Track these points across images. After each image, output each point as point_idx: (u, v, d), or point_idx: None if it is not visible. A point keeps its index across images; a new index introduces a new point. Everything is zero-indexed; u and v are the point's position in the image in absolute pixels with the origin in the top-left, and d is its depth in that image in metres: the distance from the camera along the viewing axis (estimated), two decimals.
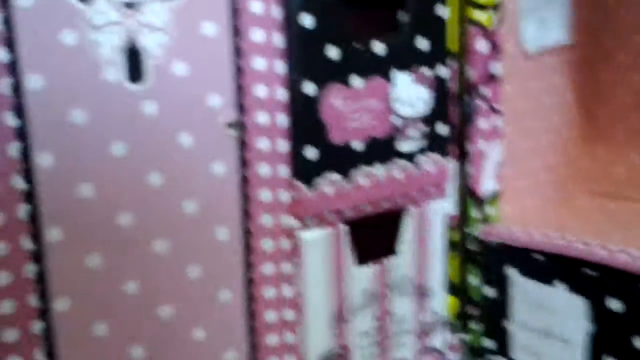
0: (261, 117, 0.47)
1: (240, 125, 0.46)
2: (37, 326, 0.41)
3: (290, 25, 0.46)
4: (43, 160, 0.40)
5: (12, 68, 0.38)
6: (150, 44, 0.42)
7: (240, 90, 0.46)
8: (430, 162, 0.54)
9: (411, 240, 0.54)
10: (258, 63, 0.46)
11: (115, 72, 0.41)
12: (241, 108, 0.46)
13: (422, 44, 0.52)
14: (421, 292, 0.55)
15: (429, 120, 0.53)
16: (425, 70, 0.52)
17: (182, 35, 0.43)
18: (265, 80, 0.46)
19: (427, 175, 0.54)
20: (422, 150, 0.54)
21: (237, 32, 0.45)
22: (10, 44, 0.38)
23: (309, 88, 0.47)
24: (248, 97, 0.46)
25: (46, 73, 0.39)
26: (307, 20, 0.46)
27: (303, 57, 0.47)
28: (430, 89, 0.53)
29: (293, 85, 0.47)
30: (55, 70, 0.39)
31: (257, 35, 0.46)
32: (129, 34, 0.41)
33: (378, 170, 0.52)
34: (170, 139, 0.44)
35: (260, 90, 0.46)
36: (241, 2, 0.45)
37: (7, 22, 0.38)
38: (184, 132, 0.44)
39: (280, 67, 0.47)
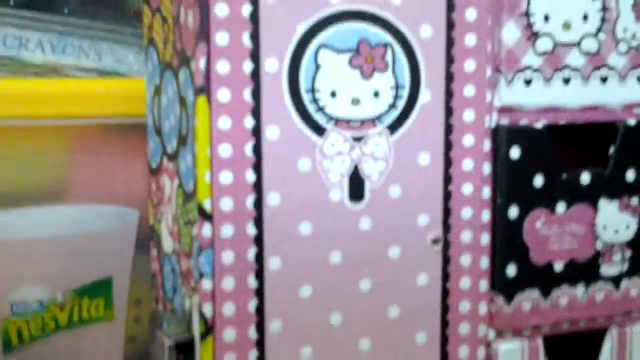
0: (465, 236, 0.51)
1: (445, 242, 0.51)
2: None
3: (498, 156, 0.51)
4: (272, 263, 0.47)
5: (256, 187, 0.47)
6: (371, 171, 0.48)
7: (448, 211, 0.51)
8: (635, 287, 0.55)
9: None
10: (466, 188, 0.51)
11: (340, 193, 0.48)
12: (447, 227, 0.51)
13: (631, 175, 0.53)
14: None
15: (635, 246, 0.55)
16: (633, 200, 0.54)
17: (400, 164, 0.49)
18: (471, 203, 0.51)
19: (631, 299, 0.55)
20: (626, 274, 0.55)
21: (449, 162, 0.50)
22: (256, 168, 0.46)
23: (513, 212, 0.51)
24: (454, 218, 0.51)
25: (283, 192, 0.47)
26: (514, 152, 0.51)
27: (509, 184, 0.51)
28: (637, 217, 0.54)
29: (498, 209, 0.51)
30: (290, 190, 0.47)
31: (467, 164, 0.50)
32: (354, 162, 0.48)
33: (579, 291, 0.54)
34: (381, 251, 0.49)
35: (466, 212, 0.51)
36: (455, 137, 0.50)
37: (256, 150, 0.46)
38: (394, 246, 0.49)
39: (487, 192, 0.51)
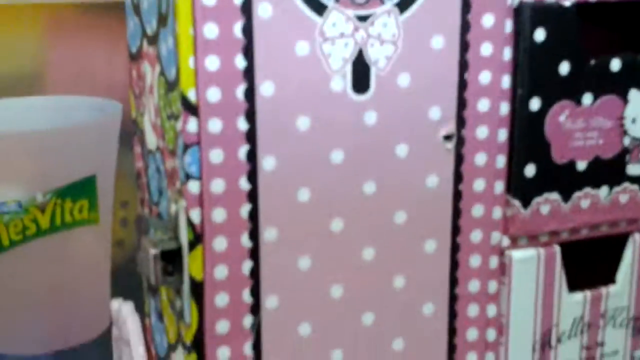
0: (481, 132, 0.46)
1: (458, 139, 0.45)
2: (247, 321, 0.43)
3: (520, 39, 0.45)
4: (267, 163, 0.42)
5: (247, 74, 0.40)
6: (378, 56, 0.42)
7: (462, 103, 0.45)
8: None
9: (633, 269, 0.51)
10: (483, 77, 0.45)
11: (342, 82, 0.42)
12: (461, 121, 0.45)
13: None
14: (638, 327, 0.52)
15: None
16: None
17: (410, 48, 0.43)
18: (489, 94, 0.45)
19: None
20: None
21: (465, 45, 0.44)
22: (247, 52, 0.40)
23: (534, 104, 0.46)
24: (469, 111, 0.45)
25: (277, 80, 0.41)
26: (539, 34, 0.45)
27: (531, 72, 0.45)
28: None
29: (518, 100, 0.46)
30: (287, 78, 0.41)
31: (485, 49, 0.44)
32: (358, 45, 0.42)
33: (602, 192, 0.49)
34: (387, 150, 0.44)
35: (482, 105, 0.45)
36: (473, 16, 0.44)
37: (246, 31, 0.40)
38: (402, 144, 0.44)
39: (507, 81, 0.45)
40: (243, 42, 0.40)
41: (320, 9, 0.41)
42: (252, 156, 0.41)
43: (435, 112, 0.44)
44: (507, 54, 0.45)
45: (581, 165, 0.48)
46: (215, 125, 0.41)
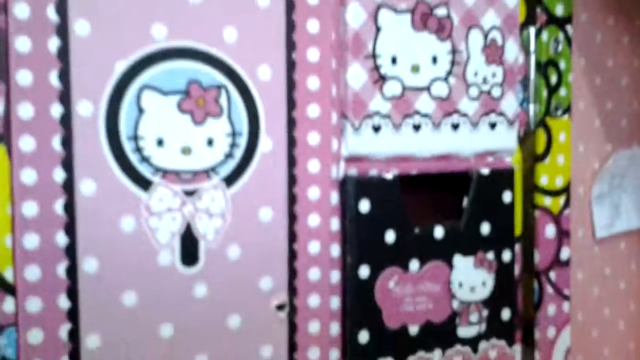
0: (313, 300, 0.46)
1: (291, 308, 0.45)
2: None
3: (347, 210, 0.46)
4: (91, 342, 0.40)
5: (69, 252, 0.40)
6: (206, 229, 0.43)
7: (293, 273, 0.45)
8: (493, 349, 0.52)
9: None
10: (313, 247, 0.46)
11: (170, 256, 0.42)
12: (293, 291, 0.45)
13: (486, 228, 0.51)
14: None
15: (492, 305, 0.52)
16: (489, 255, 0.51)
17: (239, 220, 0.43)
18: (319, 263, 0.46)
19: None
20: (484, 336, 0.52)
21: (293, 217, 0.45)
22: (69, 229, 0.39)
23: (363, 271, 0.47)
24: (301, 280, 0.46)
25: (102, 257, 0.40)
26: (364, 205, 0.46)
27: (359, 240, 0.47)
28: (493, 273, 0.51)
29: (348, 268, 0.47)
30: (111, 254, 0.40)
31: (313, 220, 0.46)
32: (186, 219, 0.42)
33: (435, 356, 0.50)
34: (219, 321, 0.43)
35: (313, 274, 0.46)
36: (299, 190, 0.45)
37: (68, 208, 0.39)
38: (233, 314, 0.44)
39: (336, 250, 0.47)
40: (65, 220, 0.39)
41: (145, 184, 0.41)
42: (74, 335, 0.40)
43: (267, 282, 0.45)
44: (335, 223, 0.46)
45: (413, 330, 0.49)
46: (34, 304, 0.39)
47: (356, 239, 0.47)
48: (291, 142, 0.45)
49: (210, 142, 0.42)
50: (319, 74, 0.45)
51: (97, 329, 0.40)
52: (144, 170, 0.41)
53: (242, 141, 0.43)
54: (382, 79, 0.46)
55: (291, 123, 0.44)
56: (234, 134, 0.43)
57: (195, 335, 0.43)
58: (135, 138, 0.40)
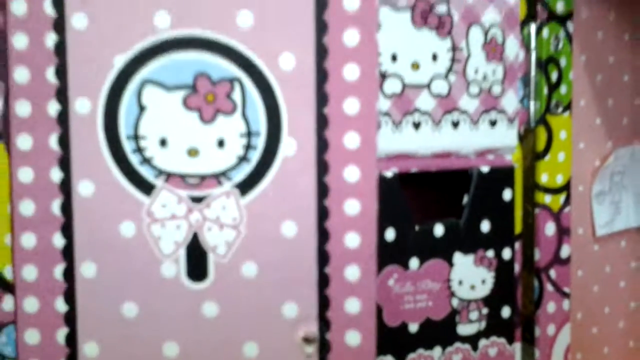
0: (352, 337, 0.42)
1: (321, 343, 0.41)
2: None
3: None
4: (89, 349, 0.39)
5: (66, 254, 0.39)
6: (217, 241, 0.39)
7: (326, 301, 0.41)
8: (493, 347, 0.52)
9: None
10: (350, 272, 0.41)
11: (174, 267, 0.39)
12: (325, 323, 0.41)
13: (486, 226, 0.50)
14: None
15: (492, 303, 0.51)
16: (488, 253, 0.51)
17: (256, 234, 0.39)
18: (357, 293, 0.42)
19: (489, 359, 0.52)
20: (484, 334, 0.51)
21: (324, 235, 0.40)
22: (66, 230, 0.39)
23: None
24: (335, 311, 0.41)
25: (100, 262, 0.39)
26: None
27: None
28: (493, 271, 0.51)
29: None
30: (110, 260, 0.39)
31: (352, 240, 0.41)
32: (192, 229, 0.39)
33: (435, 353, 0.50)
34: (233, 347, 0.40)
35: (351, 305, 0.42)
36: (331, 202, 0.40)
37: (65, 209, 0.38)
38: (250, 341, 0.40)
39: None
40: (61, 221, 0.38)
41: (146, 187, 0.39)
42: (71, 340, 0.39)
43: (291, 309, 0.40)
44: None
45: (413, 328, 0.49)
46: (31, 304, 0.38)
47: None
48: (322, 145, 0.40)
49: (220, 143, 0.39)
50: (358, 60, 0.39)
51: (96, 337, 0.39)
52: (145, 172, 0.39)
53: (260, 142, 0.39)
54: (382, 76, 0.46)
55: (322, 121, 0.40)
56: (249, 134, 0.39)
57: (205, 357, 0.40)
58: (135, 137, 0.39)
